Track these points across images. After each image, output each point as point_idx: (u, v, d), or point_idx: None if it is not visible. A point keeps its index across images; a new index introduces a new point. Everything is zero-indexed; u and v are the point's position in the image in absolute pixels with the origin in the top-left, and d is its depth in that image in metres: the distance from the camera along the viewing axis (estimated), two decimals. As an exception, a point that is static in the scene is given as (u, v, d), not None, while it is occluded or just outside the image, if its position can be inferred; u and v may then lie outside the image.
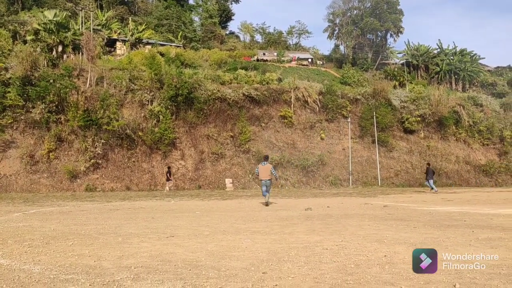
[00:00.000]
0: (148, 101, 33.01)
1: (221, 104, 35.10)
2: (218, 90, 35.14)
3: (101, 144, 30.07)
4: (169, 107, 33.02)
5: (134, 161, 31.39)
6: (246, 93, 36.02)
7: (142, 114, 32.82)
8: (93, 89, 32.01)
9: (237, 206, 16.82)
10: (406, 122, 39.84)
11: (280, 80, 41.82)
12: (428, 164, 27.29)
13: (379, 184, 35.58)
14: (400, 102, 40.72)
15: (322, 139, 37.68)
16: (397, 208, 14.33)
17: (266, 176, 16.05)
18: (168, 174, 28.24)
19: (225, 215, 12.70)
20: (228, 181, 32.20)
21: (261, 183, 16.48)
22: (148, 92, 32.95)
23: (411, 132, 40.16)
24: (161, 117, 32.54)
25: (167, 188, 28.17)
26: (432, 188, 25.35)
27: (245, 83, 38.40)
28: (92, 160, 29.59)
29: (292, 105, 37.70)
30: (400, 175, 37.36)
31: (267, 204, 16.26)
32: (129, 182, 30.46)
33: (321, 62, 62.08)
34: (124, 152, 31.34)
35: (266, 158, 16.88)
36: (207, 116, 34.59)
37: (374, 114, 38.61)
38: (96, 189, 28.98)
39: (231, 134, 34.84)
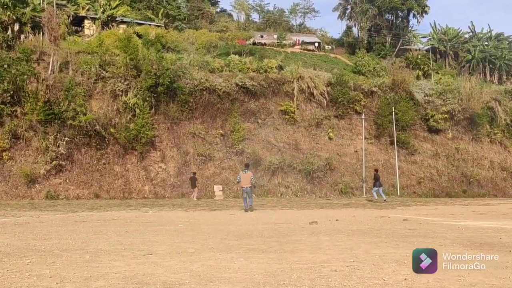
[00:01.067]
0: (122, 91, 33.12)
1: (209, 96, 35.23)
2: (207, 79, 35.32)
3: (65, 142, 30.17)
4: (148, 99, 33.17)
5: (104, 164, 31.55)
6: (240, 83, 36.19)
7: (115, 107, 32.94)
8: (56, 76, 32.01)
9: (228, 218, 16.93)
10: (431, 120, 40.22)
11: (280, 68, 42.01)
12: (376, 170, 29.67)
13: (398, 194, 35.87)
14: (424, 96, 41.08)
15: (330, 139, 37.89)
16: (420, 223, 14.47)
17: (247, 184, 20.25)
18: (192, 181, 29.92)
19: (214, 229, 12.75)
20: (217, 188, 32.32)
21: (242, 190, 20.68)
22: (122, 81, 33.10)
23: (437, 131, 40.52)
24: (137, 111, 32.70)
25: (195, 196, 29.67)
26: (381, 197, 27.75)
27: (239, 71, 38.58)
28: (54, 162, 29.64)
29: (295, 98, 37.93)
30: (423, 183, 37.66)
31: (247, 210, 19.86)
32: (99, 189, 30.60)
33: (330, 47, 62.12)
34: (92, 153, 31.44)
35: (247, 166, 21.75)
36: (192, 111, 34.73)
37: (393, 109, 38.81)
38: (58, 196, 29.08)
39: (222, 132, 35.00)
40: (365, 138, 38.30)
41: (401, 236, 10.68)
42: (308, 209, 22.08)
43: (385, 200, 27.50)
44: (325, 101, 38.67)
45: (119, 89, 33.02)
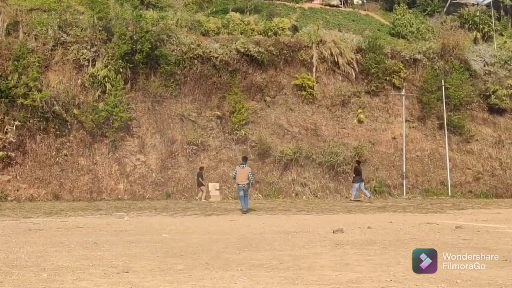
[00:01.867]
0: (88, 61, 33.00)
1: (202, 67, 35.11)
2: (199, 45, 35.10)
3: (14, 127, 30.04)
4: (122, 70, 33.00)
5: (66, 155, 31.53)
6: (242, 50, 35.93)
7: (79, 82, 32.85)
8: (1, 41, 31.91)
9: (227, 225, 17.00)
10: (493, 97, 39.94)
11: (295, 29, 41.71)
12: (358, 162, 31.26)
13: (449, 193, 35.77)
14: (484, 66, 40.80)
15: (360, 122, 37.79)
16: (477, 231, 14.48)
17: (244, 180, 21.75)
18: (201, 178, 30.95)
19: (209, 239, 12.79)
20: (213, 186, 32.37)
21: (238, 188, 22.26)
22: (89, 47, 33.02)
23: (500, 112, 40.34)
24: (108, 86, 32.52)
25: (202, 196, 30.70)
26: (366, 194, 29.76)
27: (241, 33, 38.22)
28: (0, 153, 29.61)
29: (314, 69, 37.73)
30: (483, 179, 37.53)
31: (245, 212, 21.55)
32: (59, 188, 30.64)
33: (359, 2, 61.55)
34: (50, 141, 31.38)
35: (245, 159, 23.47)
36: (180, 86, 34.70)
37: (443, 83, 38.54)
38: (7, 197, 29.08)
39: (218, 113, 34.99)
40: (406, 121, 38.10)
41: (453, 248, 10.66)
42: (331, 214, 22.22)
43: (369, 198, 30.06)
44: (353, 73, 38.46)
45: (84, 58, 32.94)
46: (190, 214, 21.63)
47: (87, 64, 33.06)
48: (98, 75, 32.53)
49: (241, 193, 22.05)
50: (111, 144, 32.37)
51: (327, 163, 34.85)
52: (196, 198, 30.67)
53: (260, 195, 32.71)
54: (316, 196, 33.52)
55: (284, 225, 16.77)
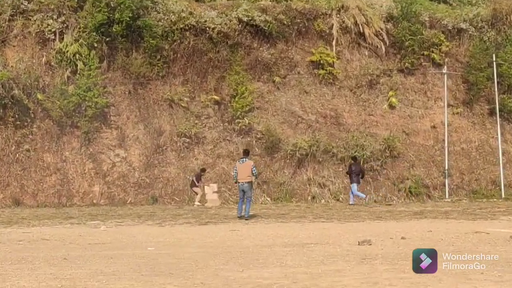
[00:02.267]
0: (54, 33, 32.92)
1: (196, 40, 34.98)
2: (191, 13, 34.92)
3: (-37, 116, 30.68)
4: (96, 45, 33.00)
5: (28, 151, 31.67)
6: (245, 19, 35.71)
7: (44, 60, 32.94)
8: None
9: (228, 236, 17.02)
10: (557, 76, 39.51)
11: (311, -8, 41.57)
12: (354, 158, 31.99)
13: (503, 195, 35.30)
14: (546, 36, 40.31)
15: (392, 107, 37.56)
16: (537, 241, 14.45)
17: (244, 178, 22.28)
18: (196, 179, 31.53)
19: (205, 254, 12.77)
20: (209, 188, 32.17)
21: (238, 187, 23.01)
22: (55, 17, 32.86)
23: None
24: (80, 65, 32.54)
25: (196, 198, 31.17)
26: (358, 197, 30.87)
27: (243, -1, 38.16)
28: None
29: (334, 42, 37.51)
30: (545, 177, 37.40)
31: (246, 218, 21.94)
32: (20, 191, 30.82)
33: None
34: (9, 133, 31.55)
35: (246, 153, 23.80)
36: (169, 64, 34.68)
37: (494, 59, 38.10)
38: (-46, 202, 29.52)
39: (216, 98, 34.92)
40: (449, 105, 37.76)
41: (508, 264, 10.68)
42: (356, 221, 22.23)
43: (352, 204, 30.61)
44: (383, 47, 38.14)
45: (50, 31, 32.82)
46: (182, 223, 21.66)
47: (53, 37, 32.93)
48: (67, 51, 32.43)
49: (241, 193, 22.68)
50: (83, 137, 32.39)
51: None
52: (195, 203, 30.76)
53: (268, 199, 32.74)
54: (338, 200, 33.47)
55: (298, 236, 16.76)
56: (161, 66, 34.34)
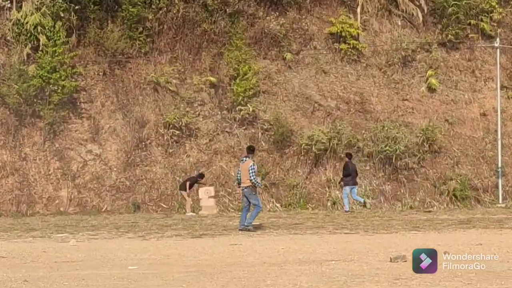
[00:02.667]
0: (10, 1, 33.25)
1: (187, 8, 35.25)
2: (180, -26, 35.12)
3: None
4: (63, 15, 33.15)
5: (-22, 146, 31.80)
6: (248, -19, 36.01)
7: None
8: None
9: (228, 252, 16.91)
10: None
11: None
12: (349, 155, 32.19)
13: None
14: None
15: (431, 90, 37.70)
16: None
17: (244, 181, 22.19)
18: (189, 184, 31.61)
19: (199, 274, 12.70)
20: (204, 192, 32.21)
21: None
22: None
23: None
24: (43, 39, 32.68)
25: (187, 206, 31.34)
26: (359, 201, 31.69)
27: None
28: None
29: (359, 10, 37.67)
30: None
31: (240, 228, 22.18)
32: (-31, 196, 30.92)
33: None
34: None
35: (249, 150, 23.67)
36: (153, 38, 34.90)
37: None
38: None
39: (212, 79, 35.15)
40: (502, 87, 37.79)
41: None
42: (387, 232, 22.08)
43: (348, 211, 30.39)
44: (419, 15, 38.30)
45: (3, -3, 33.04)
46: (171, 235, 21.63)
47: (8, 5, 33.12)
48: (27, 22, 32.56)
49: (244, 200, 22.98)
50: (48, 129, 32.62)
51: (380, 155, 34.95)
52: (187, 213, 30.82)
53: (277, 205, 32.92)
54: (364, 206, 33.18)
55: (316, 251, 16.65)
56: (143, 40, 34.50)
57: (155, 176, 33.36)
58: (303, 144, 34.40)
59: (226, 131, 34.75)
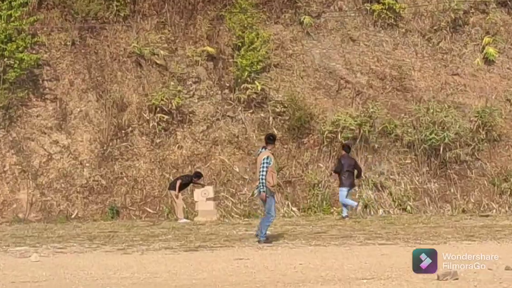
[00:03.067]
0: None
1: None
2: None
3: None
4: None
5: None
6: None
7: None
8: None
9: (232, 268, 16.81)
10: None
11: None
12: (346, 147, 32.17)
13: None
14: None
15: (489, 62, 37.61)
16: None
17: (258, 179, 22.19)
18: (183, 184, 31.82)
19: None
20: (200, 194, 31.91)
21: None
22: None
23: None
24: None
25: (179, 215, 31.43)
26: (347, 206, 31.30)
27: None
28: None
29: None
30: None
31: (260, 240, 22.07)
32: None
33: None
34: None
35: (269, 139, 22.73)
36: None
37: None
38: None
39: (210, 49, 35.20)
40: None
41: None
42: (433, 242, 21.56)
43: (345, 216, 30.69)
44: (473, -35, 38.35)
45: None
46: (159, 248, 21.44)
47: None
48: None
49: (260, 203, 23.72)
50: (2, 115, 32.69)
51: (424, 144, 34.79)
52: (179, 220, 30.98)
53: (294, 209, 32.99)
54: (404, 209, 33.47)
55: (343, 267, 16.56)
56: (122, 1, 34.62)
57: (139, 174, 33.37)
58: (326, 132, 34.33)
59: (228, 116, 34.79)
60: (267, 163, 21.24)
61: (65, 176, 32.65)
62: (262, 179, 21.20)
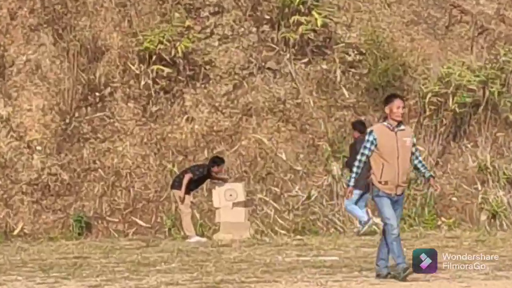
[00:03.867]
0: None
1: None
2: None
3: None
4: None
5: None
6: None
7: None
8: None
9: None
10: None
11: None
12: (360, 123, 28.69)
13: None
14: None
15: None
16: None
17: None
18: (189, 177, 27.78)
19: None
20: (223, 193, 27.52)
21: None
22: None
23: None
24: None
25: (188, 229, 27.71)
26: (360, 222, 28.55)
27: None
28: None
29: None
30: None
31: (402, 277, 17.31)
32: None
33: None
34: None
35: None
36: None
37: None
38: None
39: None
40: None
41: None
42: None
43: (359, 231, 27.63)
44: None
45: None
46: (157, 285, 16.35)
47: None
48: None
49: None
50: None
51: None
52: (190, 238, 26.50)
53: (376, 220, 29.35)
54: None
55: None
56: None
57: (123, 163, 28.42)
58: (429, 94, 29.11)
59: (269, 69, 29.86)
60: (363, 146, 16.46)
61: (2, 167, 28.10)
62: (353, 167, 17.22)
